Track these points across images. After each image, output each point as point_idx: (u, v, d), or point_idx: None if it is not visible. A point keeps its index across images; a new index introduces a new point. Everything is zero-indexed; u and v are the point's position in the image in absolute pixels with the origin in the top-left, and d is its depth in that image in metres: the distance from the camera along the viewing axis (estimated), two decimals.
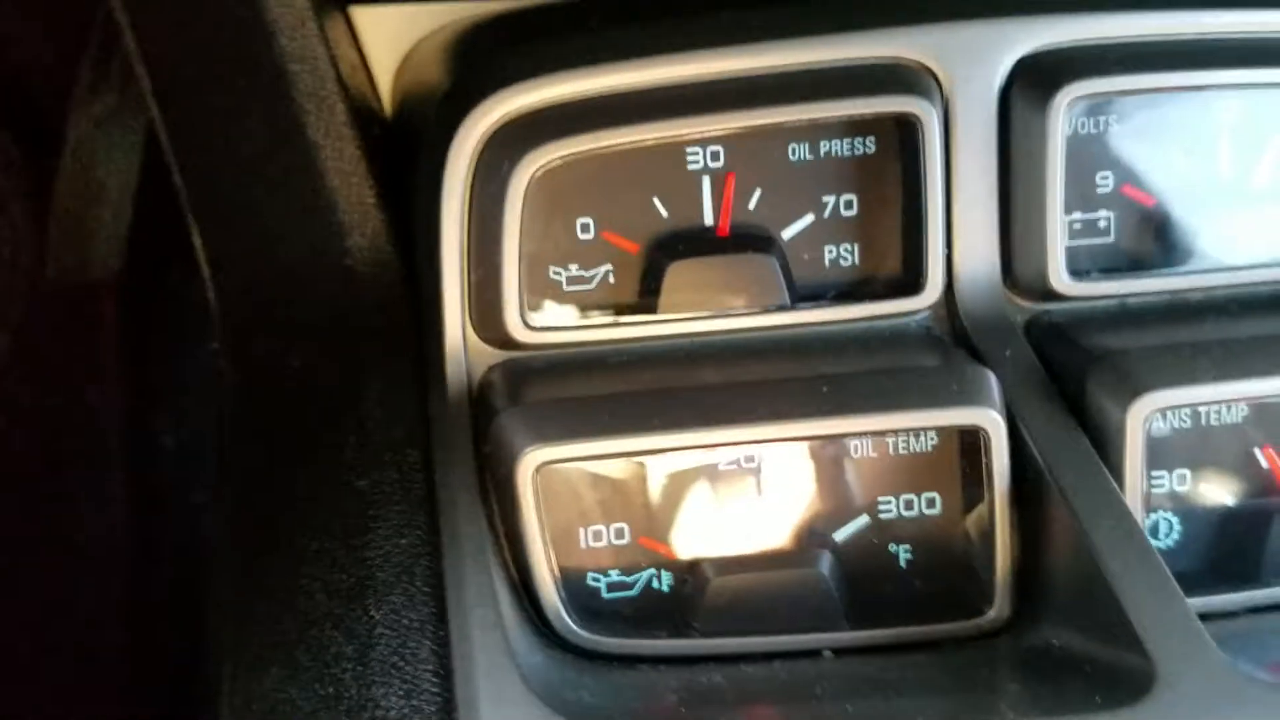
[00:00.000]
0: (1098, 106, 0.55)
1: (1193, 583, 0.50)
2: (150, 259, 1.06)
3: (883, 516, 0.52)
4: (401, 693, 0.45)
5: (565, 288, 0.56)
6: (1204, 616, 0.46)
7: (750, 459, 0.51)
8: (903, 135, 0.55)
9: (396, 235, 0.61)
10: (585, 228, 0.55)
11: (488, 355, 0.55)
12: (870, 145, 0.56)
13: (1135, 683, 0.43)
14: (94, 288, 1.08)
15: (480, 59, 0.58)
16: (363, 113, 0.63)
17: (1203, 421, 0.53)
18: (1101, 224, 0.57)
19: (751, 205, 0.56)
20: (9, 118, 1.08)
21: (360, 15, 0.67)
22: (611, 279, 0.56)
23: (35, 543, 0.97)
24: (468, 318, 0.55)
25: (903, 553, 0.52)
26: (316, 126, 0.62)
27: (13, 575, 0.89)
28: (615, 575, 0.52)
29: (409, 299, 0.60)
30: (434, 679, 0.45)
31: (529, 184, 0.53)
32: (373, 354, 0.59)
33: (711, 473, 0.52)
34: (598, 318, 0.55)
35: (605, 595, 0.52)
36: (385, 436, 0.54)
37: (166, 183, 0.93)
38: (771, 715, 0.46)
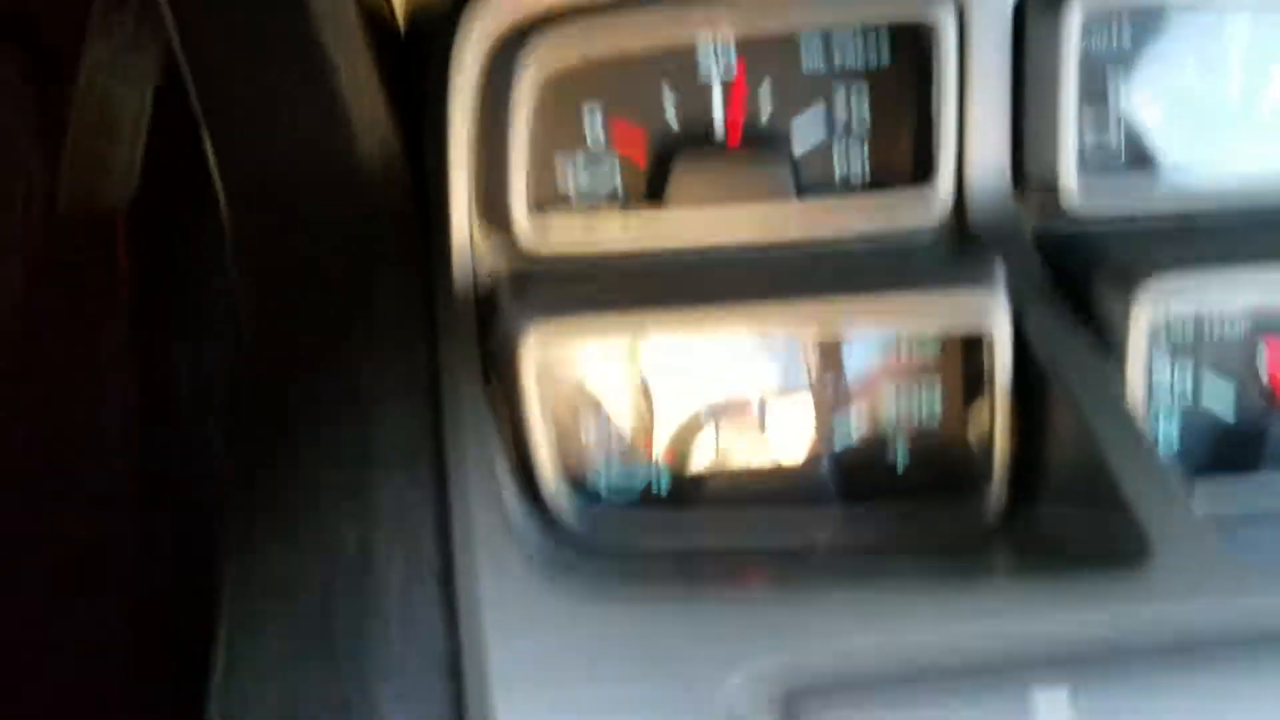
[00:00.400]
0: (1112, 20, 0.55)
1: (1193, 474, 0.50)
2: (164, 192, 1.07)
3: (883, 407, 0.52)
4: (402, 562, 0.46)
5: (572, 190, 0.56)
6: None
7: (753, 345, 0.52)
8: (918, 41, 0.55)
9: (407, 143, 0.62)
10: (593, 129, 0.56)
11: (494, 254, 0.56)
12: (884, 49, 0.56)
13: (1129, 556, 0.43)
14: (107, 220, 1.09)
15: None
16: (376, 23, 0.64)
17: (1205, 314, 0.52)
18: (1113, 137, 0.57)
19: (762, 105, 0.56)
20: (17, 50, 1.09)
21: None
22: (619, 181, 0.56)
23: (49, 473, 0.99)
24: (475, 220, 0.56)
25: (901, 443, 0.52)
26: (330, 36, 0.62)
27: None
28: (616, 470, 0.52)
29: (418, 205, 0.61)
30: (435, 554, 0.46)
31: (538, 84, 0.53)
32: (381, 256, 0.59)
33: (713, 369, 0.52)
34: (604, 220, 0.56)
35: (605, 493, 0.52)
36: (392, 332, 0.55)
37: (180, 114, 0.94)
38: (763, 581, 0.47)
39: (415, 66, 0.64)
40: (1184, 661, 0.39)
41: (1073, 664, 0.40)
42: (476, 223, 0.56)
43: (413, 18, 0.68)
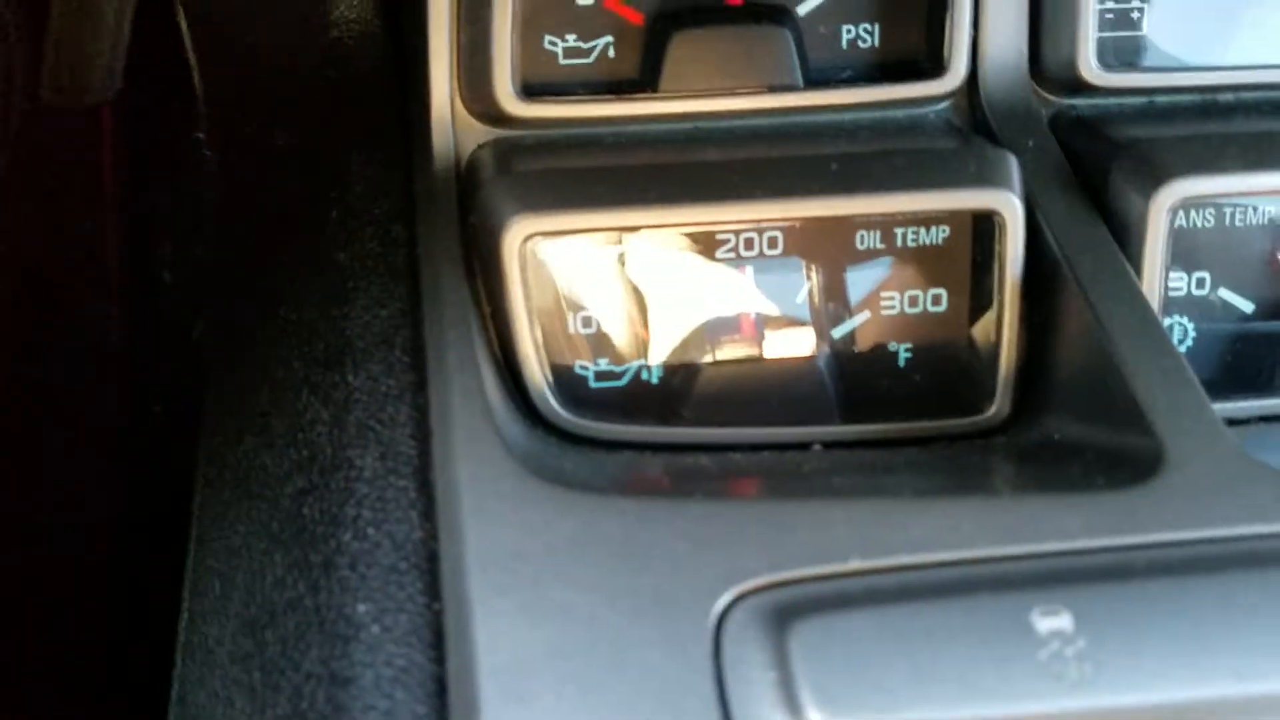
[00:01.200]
0: None
1: (1207, 388, 0.48)
2: (149, 87, 1.03)
3: (885, 311, 0.50)
4: (378, 454, 0.43)
5: (561, 59, 0.53)
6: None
7: (749, 244, 0.49)
8: None
9: (384, 7, 0.58)
10: None
11: (477, 131, 0.53)
12: None
13: (1143, 465, 0.41)
14: (93, 112, 1.05)
15: None
16: None
17: (1227, 221, 0.50)
18: (1134, 15, 0.53)
19: None
20: None
21: None
22: (611, 51, 0.53)
23: (32, 360, 0.96)
24: (457, 90, 0.52)
25: (903, 350, 0.50)
26: None
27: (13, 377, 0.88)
28: (604, 364, 0.49)
29: (396, 74, 0.57)
30: (411, 442, 0.43)
31: None
32: (358, 129, 0.56)
33: (707, 258, 0.49)
34: (595, 93, 0.52)
35: (592, 385, 0.49)
36: (368, 210, 0.52)
37: (165, 10, 0.88)
38: (756, 489, 0.45)
39: None
40: (1198, 586, 0.37)
41: (1076, 586, 0.38)
42: (458, 95, 0.52)
43: None
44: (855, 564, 0.38)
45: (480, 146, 0.52)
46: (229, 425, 0.50)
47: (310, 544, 0.42)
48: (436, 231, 0.49)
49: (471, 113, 0.52)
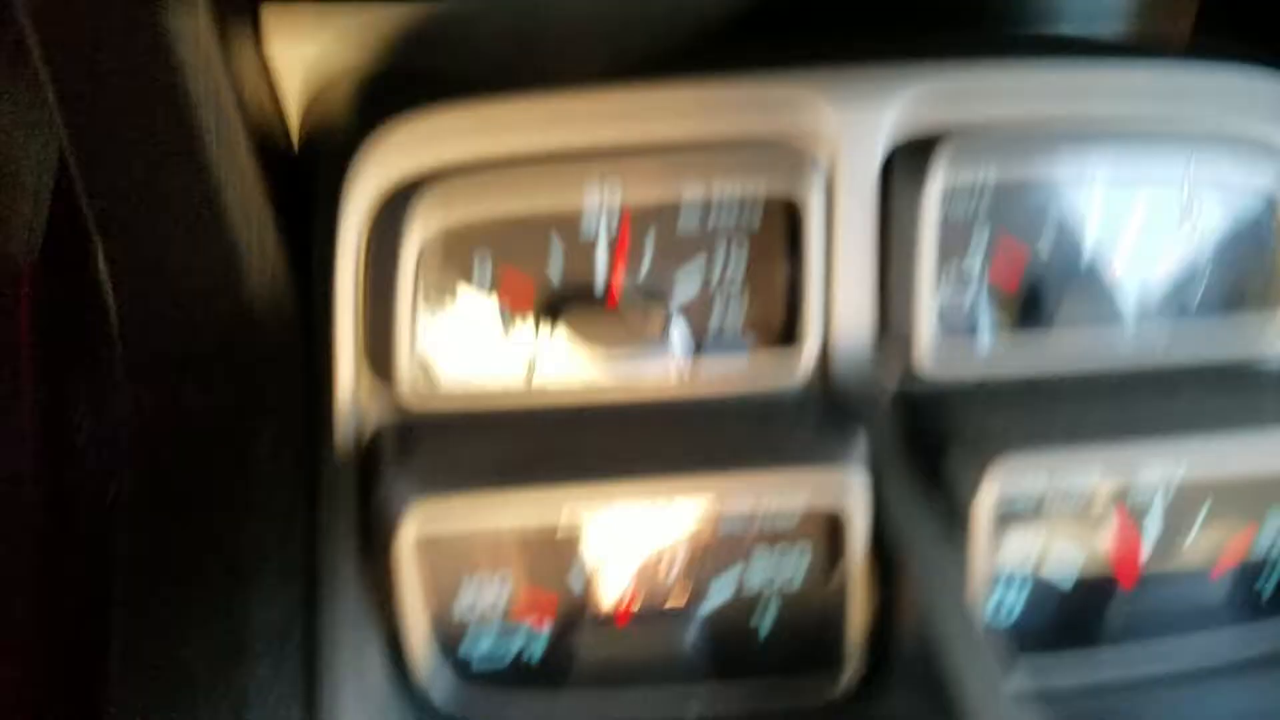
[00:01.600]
0: (970, 190, 0.58)
1: (1032, 648, 0.54)
2: (69, 251, 1.04)
3: (747, 586, 0.54)
4: None
5: (455, 346, 0.57)
6: (1043, 690, 0.50)
7: (624, 525, 0.53)
8: (786, 211, 0.57)
9: (297, 281, 0.61)
10: (475, 290, 0.56)
11: (379, 411, 0.56)
12: (755, 217, 0.57)
13: None
14: (8, 275, 1.06)
15: (383, 109, 0.58)
16: (268, 154, 0.63)
17: (1048, 499, 0.56)
18: (966, 303, 0.60)
19: (641, 270, 0.57)
20: None
21: (275, 50, 0.67)
22: (503, 336, 0.57)
23: None
24: (361, 373, 0.56)
25: (764, 623, 0.55)
26: (221, 165, 0.61)
27: None
28: (487, 647, 0.53)
29: (304, 346, 0.60)
30: None
31: (421, 246, 0.54)
32: (265, 401, 0.59)
33: (586, 538, 0.53)
34: (489, 375, 0.57)
35: (476, 668, 0.53)
36: (271, 495, 0.55)
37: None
38: None
39: (308, 188, 0.63)
40: None
41: None
42: (362, 376, 0.56)
43: (304, 148, 0.67)
44: None
45: (381, 426, 0.56)
46: (137, 708, 0.52)
47: None
48: (336, 518, 0.53)
49: (373, 394, 0.56)
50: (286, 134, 0.67)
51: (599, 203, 0.56)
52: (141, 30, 0.61)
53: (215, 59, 0.61)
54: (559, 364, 0.57)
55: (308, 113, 0.68)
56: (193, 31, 0.61)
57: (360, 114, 0.62)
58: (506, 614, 0.53)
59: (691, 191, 0.56)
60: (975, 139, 0.57)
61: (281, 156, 0.65)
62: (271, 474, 0.56)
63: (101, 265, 0.70)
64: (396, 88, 0.65)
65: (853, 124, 0.56)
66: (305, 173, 0.64)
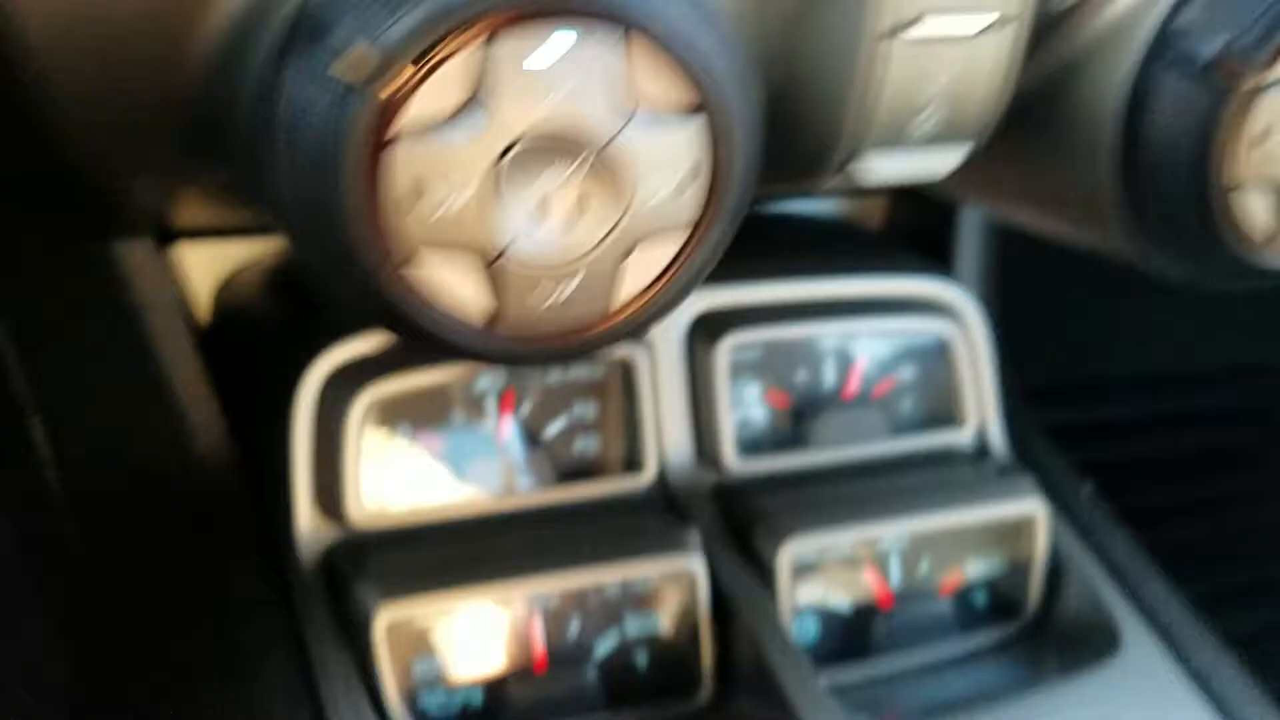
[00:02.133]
0: (748, 346, 0.82)
1: (826, 659, 0.77)
2: None
3: (628, 635, 0.75)
4: None
5: (389, 479, 0.75)
6: (836, 686, 0.72)
7: (536, 601, 0.73)
8: (624, 369, 0.79)
9: (238, 444, 0.78)
10: (405, 434, 0.75)
11: (329, 531, 0.74)
12: (602, 371, 0.79)
13: None
14: None
15: (312, 308, 0.76)
16: (198, 335, 0.80)
17: (825, 555, 0.79)
18: (754, 420, 0.83)
19: (524, 414, 0.78)
20: None
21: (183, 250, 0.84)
22: (424, 470, 0.76)
23: None
24: (314, 505, 0.73)
25: (642, 659, 0.75)
26: (169, 351, 0.78)
27: None
28: (440, 697, 0.71)
29: (250, 492, 0.77)
30: None
31: (362, 412, 0.72)
32: (225, 538, 0.75)
33: (510, 613, 0.73)
34: (416, 500, 0.75)
35: (434, 715, 0.71)
36: (252, 603, 0.71)
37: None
38: None
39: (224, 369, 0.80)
40: None
41: None
42: (315, 507, 0.73)
43: (219, 326, 0.84)
44: None
45: (335, 544, 0.73)
46: None
47: None
48: (314, 615, 0.70)
49: (324, 519, 0.74)
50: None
51: (488, 370, 0.76)
52: (94, 258, 0.78)
53: (163, 278, 0.78)
54: (464, 490, 0.76)
55: (220, 297, 0.85)
56: (141, 254, 0.78)
57: (279, 297, 0.80)
58: (452, 675, 0.71)
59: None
60: (748, 311, 0.82)
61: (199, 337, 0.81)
62: (249, 588, 0.72)
63: (37, 435, 0.84)
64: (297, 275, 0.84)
65: (660, 328, 0.79)
66: (219, 347, 0.81)
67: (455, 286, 0.37)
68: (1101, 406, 1.07)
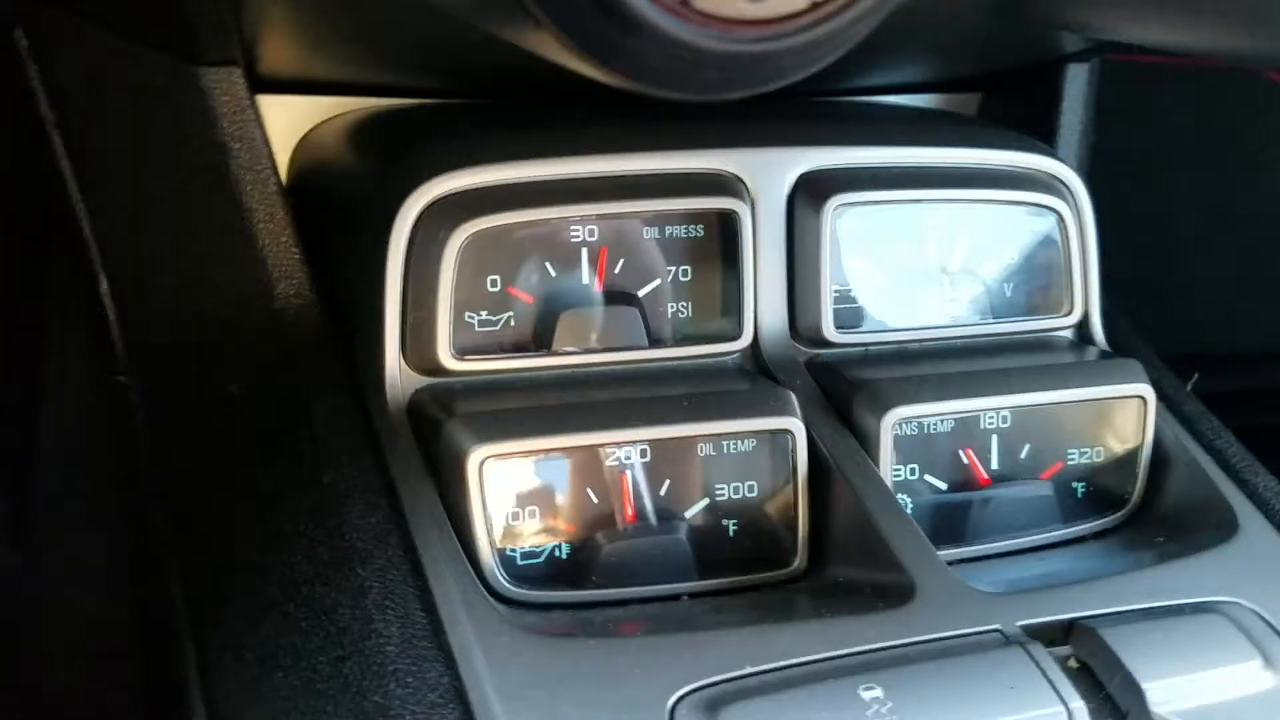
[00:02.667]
0: (851, 211, 0.79)
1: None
2: None
3: (718, 497, 0.72)
4: (398, 624, 0.59)
5: (478, 329, 0.72)
6: None
7: (628, 456, 0.70)
8: (724, 225, 0.76)
9: (320, 288, 0.75)
10: (494, 284, 0.72)
11: (416, 380, 0.71)
12: (701, 230, 0.76)
13: (901, 596, 0.65)
14: None
15: (408, 149, 0.73)
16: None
17: (926, 430, 0.76)
18: (852, 294, 0.80)
19: (617, 270, 0.74)
20: None
21: (265, 102, 0.81)
22: (513, 323, 0.73)
23: None
24: (400, 351, 0.70)
25: (732, 524, 0.72)
26: (251, 195, 0.75)
27: None
28: (529, 547, 0.68)
29: (333, 339, 0.74)
30: (422, 614, 0.60)
31: (458, 249, 0.69)
32: (308, 380, 0.72)
33: (601, 467, 0.69)
34: (504, 353, 0.72)
35: (519, 562, 0.68)
36: (339, 442, 0.68)
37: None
38: (667, 628, 0.64)
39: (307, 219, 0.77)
40: (952, 664, 0.60)
41: (880, 670, 0.60)
42: (401, 355, 0.70)
43: (300, 178, 0.81)
44: (749, 669, 0.59)
45: (420, 390, 0.70)
46: (233, 620, 0.64)
47: (360, 694, 0.57)
48: (402, 456, 0.67)
49: (412, 367, 0.70)
50: None
51: (584, 216, 0.73)
52: (183, 87, 0.75)
53: (251, 119, 0.75)
54: (559, 345, 0.73)
55: (299, 152, 0.83)
56: (230, 90, 0.75)
57: (379, 145, 0.77)
58: (540, 526, 0.68)
59: (653, 207, 0.74)
60: (854, 173, 0.78)
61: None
62: (335, 430, 0.69)
63: (104, 294, 0.81)
64: (386, 126, 0.81)
65: (764, 184, 0.76)
66: (300, 201, 0.78)
67: None
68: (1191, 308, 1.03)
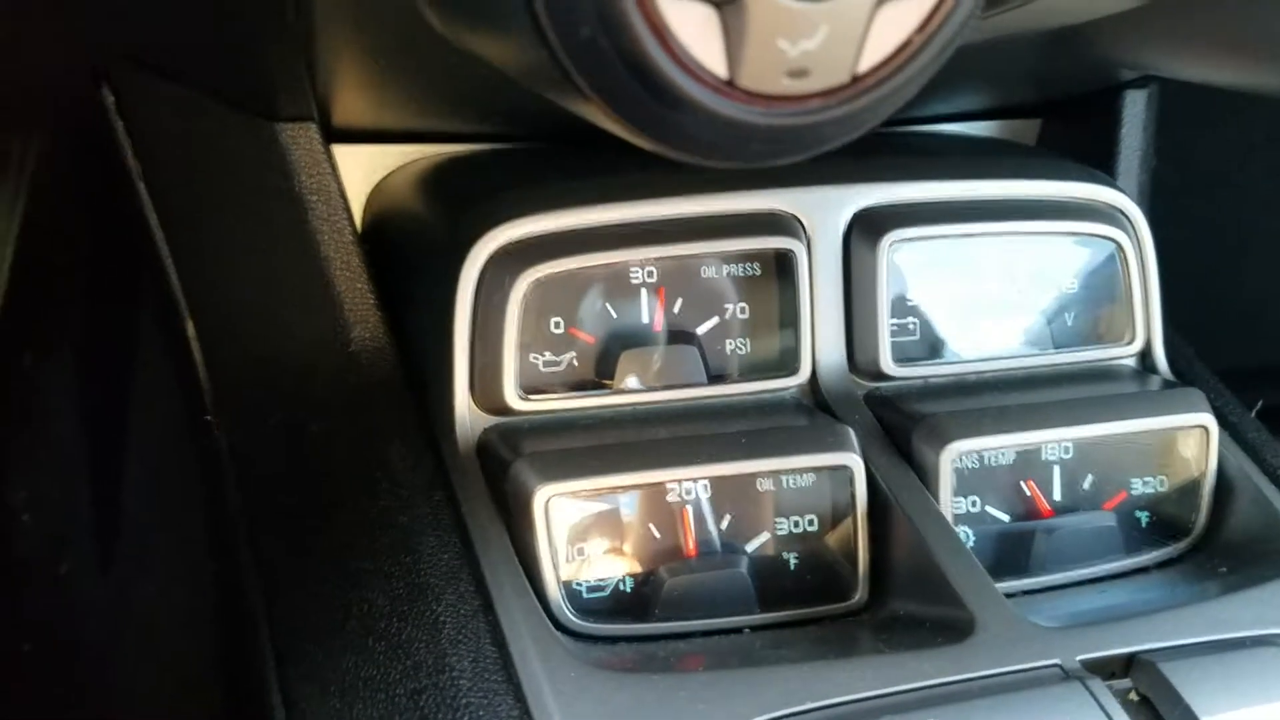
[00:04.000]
0: (907, 246, 0.80)
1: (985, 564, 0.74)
2: (10, 343, 1.15)
3: (779, 531, 0.73)
4: (470, 659, 0.62)
5: (542, 369, 0.74)
6: None
7: (689, 492, 0.71)
8: (780, 263, 0.77)
9: (393, 330, 0.78)
10: (557, 325, 0.74)
11: (484, 419, 0.73)
12: (758, 268, 0.77)
13: (960, 631, 0.66)
14: None
15: (474, 198, 0.76)
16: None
17: (986, 462, 0.77)
18: (911, 327, 0.81)
19: (676, 309, 0.76)
20: None
21: (340, 152, 0.85)
22: (576, 363, 0.75)
23: None
24: (469, 392, 0.73)
25: (793, 557, 0.73)
26: (328, 244, 0.78)
27: None
28: (594, 581, 0.70)
29: (405, 380, 0.77)
30: (493, 648, 0.62)
31: (523, 293, 0.72)
32: (383, 423, 0.75)
33: (662, 503, 0.71)
34: (567, 391, 0.74)
35: (585, 595, 0.70)
36: (412, 482, 0.71)
37: (36, 268, 1.02)
38: (731, 662, 0.66)
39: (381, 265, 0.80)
40: (1011, 698, 0.61)
41: (940, 705, 0.61)
42: (470, 395, 0.73)
43: (373, 225, 0.84)
44: (809, 705, 0.60)
45: (488, 430, 0.73)
46: (316, 654, 0.67)
47: None
48: (472, 495, 0.69)
49: (480, 407, 0.73)
50: None
51: (643, 259, 0.75)
52: (262, 143, 0.78)
53: (326, 171, 0.79)
54: (620, 383, 0.75)
55: (373, 199, 0.86)
56: (307, 144, 0.78)
57: (449, 194, 0.80)
58: (604, 562, 0.70)
59: (711, 249, 0.76)
60: (911, 209, 0.80)
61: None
62: (409, 469, 0.72)
63: (190, 337, 0.85)
64: (452, 174, 0.84)
65: (819, 222, 0.78)
66: (373, 247, 0.81)
67: (694, 32, 0.35)
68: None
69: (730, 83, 0.36)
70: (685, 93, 0.35)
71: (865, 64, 0.36)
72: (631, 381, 0.75)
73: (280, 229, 0.79)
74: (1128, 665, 0.65)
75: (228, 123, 0.77)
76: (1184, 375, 0.85)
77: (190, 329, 0.84)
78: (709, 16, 0.35)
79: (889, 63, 0.36)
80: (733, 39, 0.35)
